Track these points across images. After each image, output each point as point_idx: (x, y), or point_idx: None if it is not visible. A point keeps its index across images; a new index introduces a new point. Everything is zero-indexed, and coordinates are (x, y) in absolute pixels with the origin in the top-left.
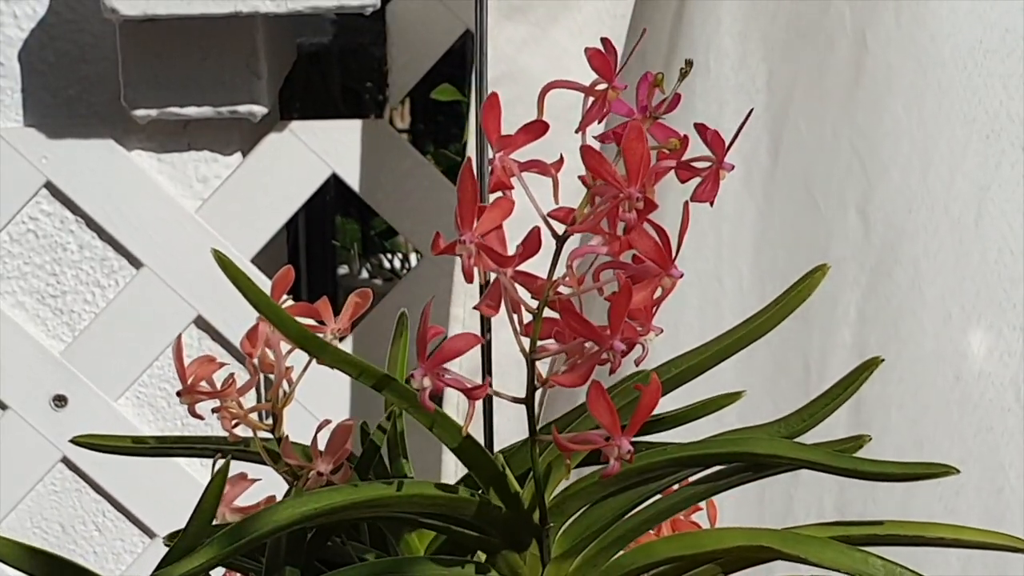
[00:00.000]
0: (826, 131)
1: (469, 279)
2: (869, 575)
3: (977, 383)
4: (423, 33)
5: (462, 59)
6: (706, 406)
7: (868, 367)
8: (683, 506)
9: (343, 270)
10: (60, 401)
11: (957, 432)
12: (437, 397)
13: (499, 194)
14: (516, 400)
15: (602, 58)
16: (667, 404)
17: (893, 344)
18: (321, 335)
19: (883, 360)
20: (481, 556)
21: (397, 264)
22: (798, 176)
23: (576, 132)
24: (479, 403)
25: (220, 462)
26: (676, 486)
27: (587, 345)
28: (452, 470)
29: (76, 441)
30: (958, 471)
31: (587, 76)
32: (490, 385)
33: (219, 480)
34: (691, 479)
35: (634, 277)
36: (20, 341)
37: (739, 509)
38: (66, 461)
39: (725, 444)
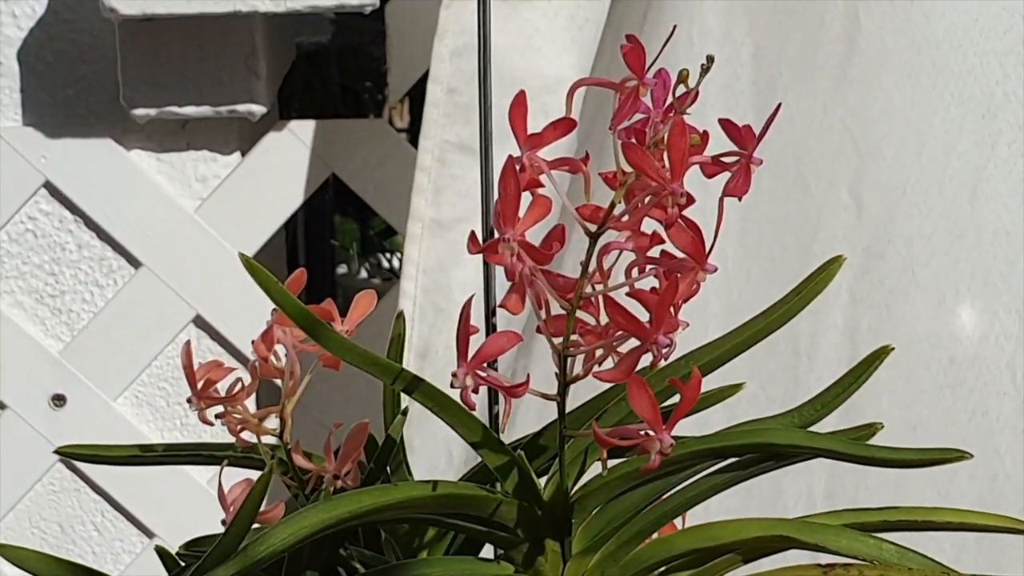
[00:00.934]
0: (816, 108)
1: (512, 277)
2: (884, 560)
3: (972, 367)
4: (422, 32)
5: None
6: (708, 398)
7: (879, 355)
8: (702, 498)
9: (342, 269)
10: (59, 400)
11: (951, 417)
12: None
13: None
14: (548, 397)
15: (636, 54)
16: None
17: (886, 327)
18: None
19: (893, 348)
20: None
21: (396, 264)
22: (787, 154)
23: (609, 129)
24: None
25: (250, 472)
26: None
27: (616, 341)
28: (441, 468)
29: (65, 452)
30: (971, 456)
31: (559, 57)
32: (528, 382)
33: (261, 486)
34: (708, 471)
35: (668, 272)
36: (19, 340)
37: (727, 497)
38: (65, 461)
39: (744, 436)
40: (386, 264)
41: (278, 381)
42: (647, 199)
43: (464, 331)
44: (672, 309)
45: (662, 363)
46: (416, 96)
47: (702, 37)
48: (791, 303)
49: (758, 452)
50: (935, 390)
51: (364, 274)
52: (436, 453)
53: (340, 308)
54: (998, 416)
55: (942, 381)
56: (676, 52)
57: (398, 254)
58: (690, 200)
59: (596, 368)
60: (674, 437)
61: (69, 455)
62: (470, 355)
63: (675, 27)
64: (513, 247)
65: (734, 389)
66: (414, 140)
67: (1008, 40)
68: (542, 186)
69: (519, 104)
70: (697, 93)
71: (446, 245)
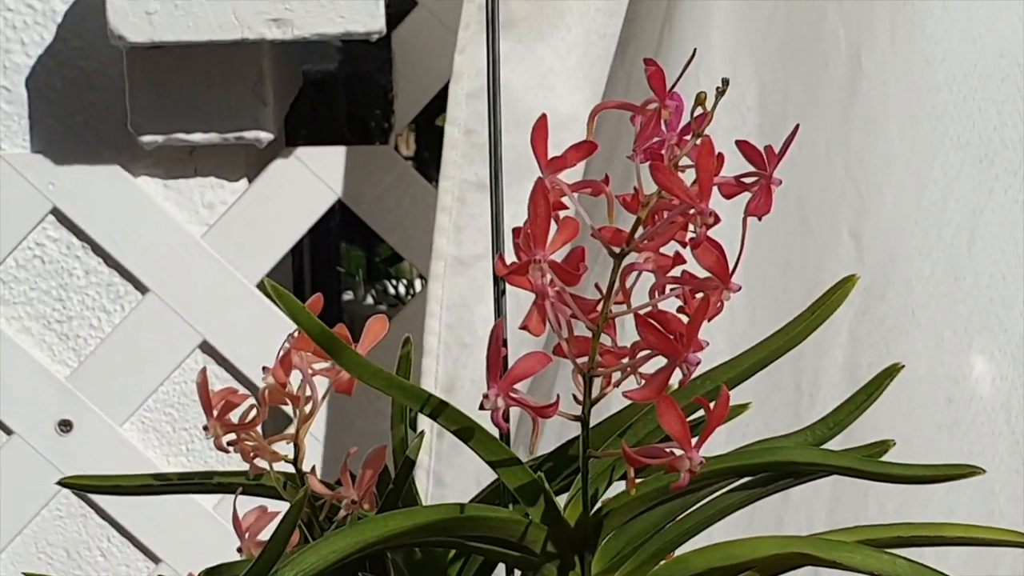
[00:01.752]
0: (819, 151)
1: (543, 298)
2: (898, 575)
3: (969, 407)
4: (429, 60)
5: None
6: None
7: (890, 373)
8: (719, 517)
9: (348, 296)
10: (65, 426)
11: (948, 455)
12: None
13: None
14: (574, 417)
15: (659, 77)
16: None
17: (885, 366)
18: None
19: (903, 366)
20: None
21: (402, 290)
22: (790, 196)
23: (630, 155)
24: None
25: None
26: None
27: (637, 360)
28: (424, 483)
29: (67, 484)
30: (984, 471)
31: (571, 95)
32: (558, 403)
33: (295, 513)
34: (724, 489)
35: (693, 291)
36: (26, 366)
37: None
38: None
39: (763, 454)
40: (392, 291)
41: (284, 407)
42: (672, 219)
43: (495, 352)
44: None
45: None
46: (423, 124)
47: (709, 79)
48: (807, 322)
49: (777, 470)
50: (933, 429)
51: (370, 301)
52: (467, 487)
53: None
54: (993, 455)
55: (940, 420)
56: (685, 92)
57: (404, 280)
58: (716, 220)
59: (618, 388)
60: None
61: (80, 487)
62: (500, 376)
63: (695, 50)
64: (544, 268)
65: (740, 409)
66: (420, 167)
67: (1005, 88)
68: (566, 208)
69: (540, 128)
70: (712, 115)
71: (468, 282)
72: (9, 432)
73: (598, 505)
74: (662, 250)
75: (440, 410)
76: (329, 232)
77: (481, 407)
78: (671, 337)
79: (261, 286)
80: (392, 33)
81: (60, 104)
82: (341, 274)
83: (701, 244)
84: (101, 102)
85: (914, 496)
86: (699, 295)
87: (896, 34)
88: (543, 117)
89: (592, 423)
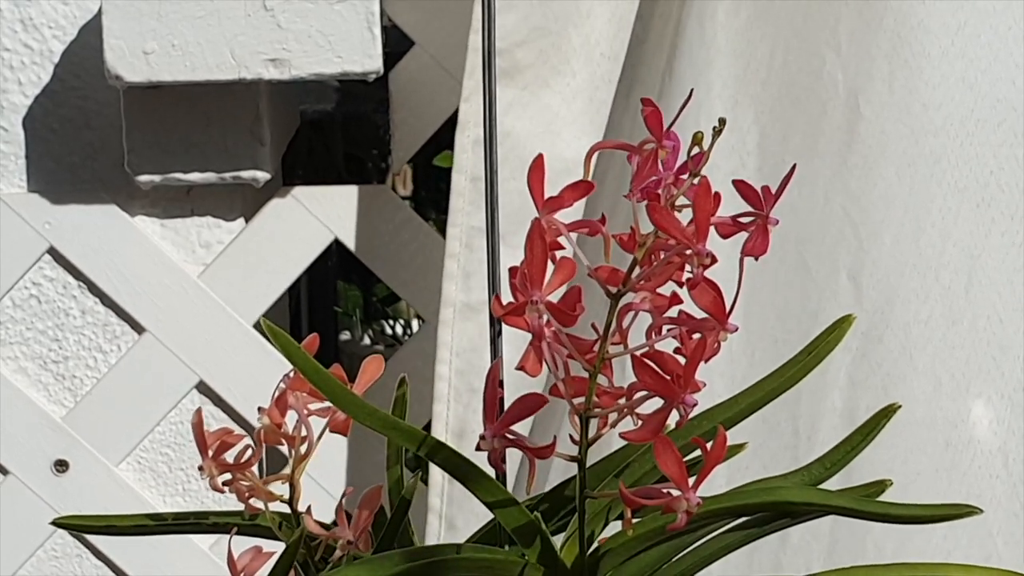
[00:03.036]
0: (818, 195)
1: (540, 339)
2: None
3: (967, 450)
4: (426, 100)
5: None
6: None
7: (887, 413)
8: (715, 558)
9: (345, 336)
10: (61, 466)
11: (946, 498)
12: None
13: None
14: (572, 459)
15: (656, 117)
16: None
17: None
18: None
19: (900, 406)
20: None
21: (399, 330)
22: (790, 239)
23: (629, 191)
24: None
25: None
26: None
27: (634, 401)
28: (436, 527)
29: (61, 524)
30: (981, 511)
31: (578, 140)
32: (555, 444)
33: (291, 552)
34: (720, 530)
35: (690, 332)
36: (22, 406)
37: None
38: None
39: (760, 494)
40: (389, 330)
41: (280, 448)
42: (669, 259)
43: (491, 394)
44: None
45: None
46: (420, 164)
47: (709, 123)
48: (803, 362)
49: (774, 510)
50: (931, 472)
51: (367, 340)
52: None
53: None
54: (991, 499)
55: (938, 464)
56: (684, 136)
57: (401, 320)
58: (713, 260)
59: (614, 428)
60: None
61: (75, 527)
62: (496, 418)
63: (692, 91)
64: (541, 309)
65: (736, 449)
66: (418, 207)
67: (1002, 132)
68: (562, 248)
69: (536, 169)
70: (708, 155)
71: (477, 327)
72: (5, 472)
73: (595, 545)
74: (659, 290)
75: (436, 451)
76: (326, 272)
77: (478, 448)
78: (667, 378)
79: (258, 326)
80: (389, 73)
81: (57, 144)
82: (338, 314)
83: (698, 285)
84: (98, 142)
85: (911, 539)
86: (696, 336)
87: (894, 79)
88: (539, 157)
89: (590, 463)
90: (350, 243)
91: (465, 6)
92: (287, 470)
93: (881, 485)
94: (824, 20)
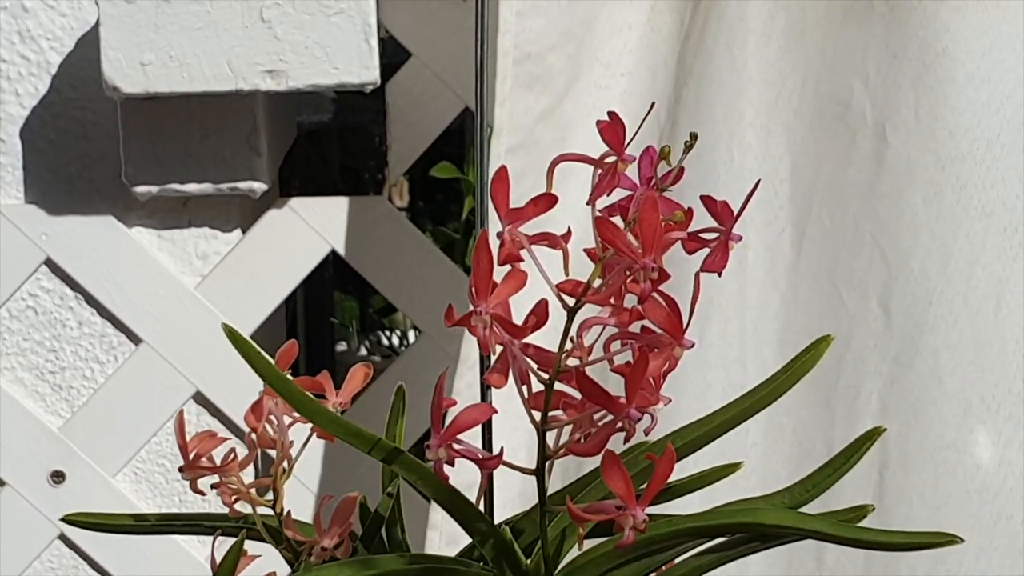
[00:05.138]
0: (848, 223)
1: (486, 351)
2: None
3: (997, 472)
4: (422, 111)
5: (461, 137)
6: (710, 475)
7: (870, 436)
8: None
9: (342, 347)
10: (58, 477)
11: (977, 520)
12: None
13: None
14: (527, 471)
15: (612, 130)
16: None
17: (914, 434)
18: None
19: (886, 429)
20: None
21: (396, 341)
22: (822, 267)
23: (587, 204)
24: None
25: (221, 539)
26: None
27: (596, 415)
28: (436, 543)
29: (71, 520)
30: (962, 540)
31: (593, 148)
32: (502, 455)
33: (233, 556)
34: (696, 550)
35: (646, 347)
36: (18, 417)
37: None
38: (63, 538)
39: (731, 515)
40: (386, 342)
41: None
42: (619, 274)
43: (437, 404)
44: (653, 383)
45: (652, 437)
46: (416, 175)
47: (742, 152)
48: (778, 381)
49: (745, 532)
50: (962, 494)
51: (364, 352)
52: None
53: (339, 385)
54: (1022, 520)
55: (968, 486)
56: (716, 168)
57: (397, 332)
58: (663, 275)
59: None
60: (660, 515)
61: (74, 523)
62: (443, 428)
63: (653, 104)
64: (486, 320)
65: (732, 468)
66: (414, 218)
67: None
68: (522, 260)
69: (499, 180)
70: (682, 170)
71: None
72: (1, 483)
73: (565, 562)
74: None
75: (393, 456)
76: (323, 282)
77: (425, 459)
78: (609, 393)
79: (253, 336)
80: (386, 84)
81: (54, 155)
82: (334, 325)
83: (647, 299)
84: (95, 153)
85: (943, 560)
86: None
87: (919, 106)
88: (502, 169)
89: (574, 476)
90: (347, 254)
91: (461, 17)
92: (279, 472)
93: (862, 510)
94: (852, 51)
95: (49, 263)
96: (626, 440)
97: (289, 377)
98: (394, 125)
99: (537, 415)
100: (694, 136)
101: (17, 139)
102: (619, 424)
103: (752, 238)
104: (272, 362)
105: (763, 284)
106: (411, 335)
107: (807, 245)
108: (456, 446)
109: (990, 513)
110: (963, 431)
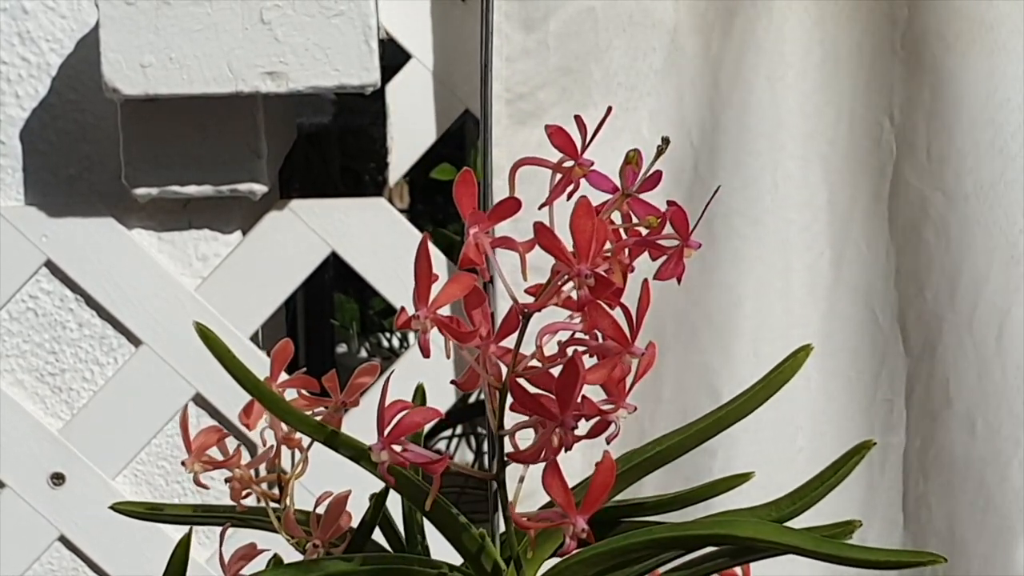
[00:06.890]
0: (880, 252)
1: (426, 354)
2: None
3: (1000, 487)
4: (423, 113)
5: (461, 139)
6: (716, 486)
7: (859, 450)
8: None
9: (342, 348)
10: (58, 479)
11: (984, 528)
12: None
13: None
14: (485, 476)
15: (563, 136)
16: (677, 484)
17: (931, 449)
18: (322, 408)
19: (874, 443)
20: None
21: (396, 343)
22: (860, 290)
23: (539, 208)
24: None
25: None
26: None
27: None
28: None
29: (118, 509)
30: (945, 560)
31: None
32: (451, 460)
33: (181, 552)
34: (677, 562)
35: (599, 354)
36: (19, 419)
37: None
38: (63, 540)
39: (709, 526)
40: (386, 343)
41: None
42: (558, 281)
43: (381, 407)
44: (618, 390)
45: (610, 445)
46: (416, 176)
47: (784, 182)
48: (753, 392)
49: (721, 544)
50: (967, 506)
51: (364, 353)
52: None
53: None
54: (1022, 530)
55: (973, 498)
56: (762, 196)
57: (397, 333)
58: (605, 283)
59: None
60: (642, 523)
61: (130, 513)
62: (388, 431)
63: (610, 108)
64: (425, 324)
65: (743, 478)
66: (414, 220)
67: None
68: (479, 264)
69: (463, 183)
70: (660, 174)
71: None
72: (1, 486)
73: (543, 570)
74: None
75: (333, 439)
76: (323, 284)
77: (372, 460)
78: (541, 401)
79: (254, 338)
80: (386, 86)
81: (54, 157)
82: (335, 326)
83: (585, 307)
84: (95, 155)
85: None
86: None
87: (931, 148)
88: (467, 172)
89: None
90: (347, 256)
91: (461, 19)
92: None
93: (850, 526)
94: (881, 88)
95: (49, 265)
96: (566, 449)
97: (260, 378)
98: (394, 127)
99: (494, 420)
100: (666, 140)
101: (17, 141)
102: (553, 431)
103: (794, 261)
104: (238, 358)
105: (804, 303)
106: (411, 336)
107: (845, 268)
108: (396, 447)
109: (993, 525)
110: (969, 448)
